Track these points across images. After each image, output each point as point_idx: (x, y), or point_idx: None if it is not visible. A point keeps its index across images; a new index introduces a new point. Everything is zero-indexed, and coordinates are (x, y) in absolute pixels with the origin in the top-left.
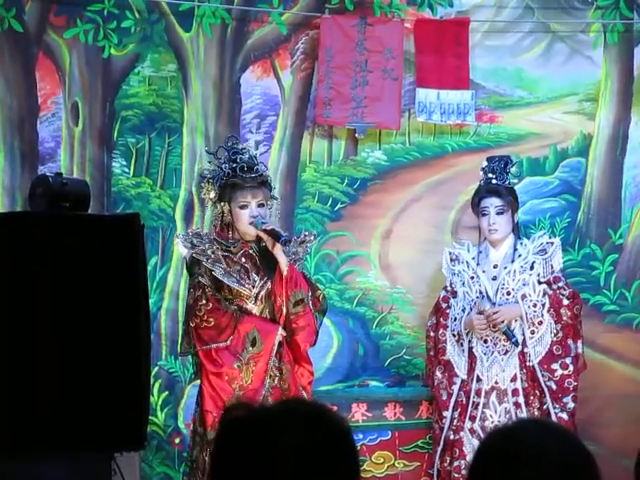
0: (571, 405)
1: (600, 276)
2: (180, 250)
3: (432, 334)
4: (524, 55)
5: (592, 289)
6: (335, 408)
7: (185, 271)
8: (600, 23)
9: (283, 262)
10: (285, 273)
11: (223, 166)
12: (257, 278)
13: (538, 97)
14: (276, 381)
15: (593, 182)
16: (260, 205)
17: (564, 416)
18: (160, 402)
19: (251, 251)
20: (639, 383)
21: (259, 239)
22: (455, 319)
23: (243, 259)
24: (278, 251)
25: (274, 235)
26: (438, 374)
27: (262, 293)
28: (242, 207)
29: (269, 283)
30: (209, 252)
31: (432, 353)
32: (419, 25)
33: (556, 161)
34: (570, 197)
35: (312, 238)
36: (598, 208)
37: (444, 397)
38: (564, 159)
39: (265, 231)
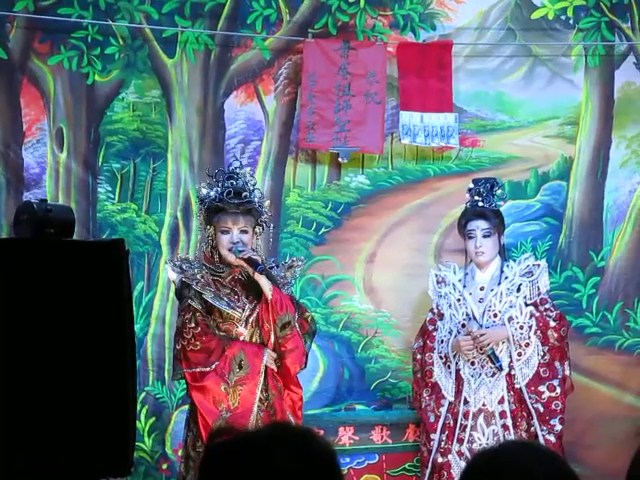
0: (558, 427)
1: (582, 299)
2: (169, 275)
3: (419, 356)
4: (505, 79)
5: (574, 311)
6: (322, 432)
7: (172, 296)
8: (581, 46)
9: (266, 287)
10: (270, 297)
11: (214, 189)
12: (247, 302)
13: (519, 121)
14: (265, 405)
15: (574, 205)
16: (242, 232)
17: (551, 438)
18: (147, 428)
19: (239, 276)
20: (622, 404)
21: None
22: (442, 341)
23: (232, 283)
24: (259, 277)
25: (251, 263)
26: (425, 396)
27: (252, 317)
28: (223, 232)
29: (259, 307)
30: (198, 276)
31: (419, 375)
32: (402, 49)
33: (537, 184)
34: (552, 220)
35: (300, 263)
36: (580, 231)
37: (431, 419)
38: (545, 182)
39: (242, 259)
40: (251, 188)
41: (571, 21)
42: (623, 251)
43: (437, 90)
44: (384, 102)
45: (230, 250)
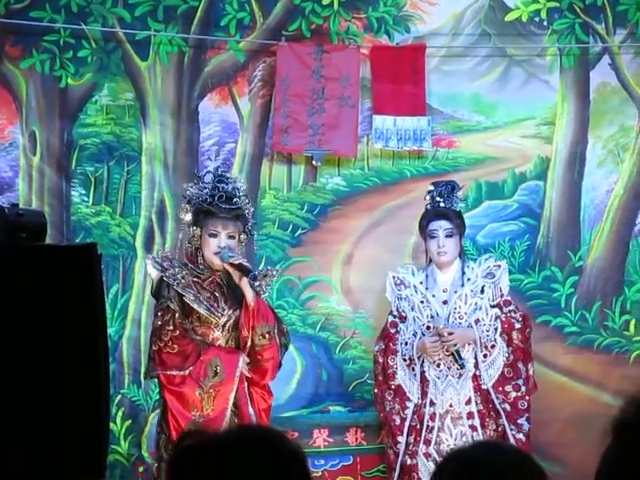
0: (526, 426)
1: (561, 298)
2: (149, 270)
3: (380, 359)
4: (481, 80)
5: (553, 311)
6: (296, 434)
7: (148, 299)
8: (556, 47)
9: (250, 295)
10: (252, 306)
11: (205, 191)
12: (226, 307)
13: (495, 121)
14: (237, 410)
15: (552, 205)
16: (230, 237)
17: (521, 437)
18: (123, 431)
19: (219, 280)
20: (601, 404)
21: (227, 270)
22: (406, 343)
23: (212, 286)
24: (245, 284)
25: (242, 270)
26: (389, 399)
27: (230, 322)
28: (211, 235)
29: (237, 312)
30: (179, 276)
31: (381, 378)
32: (375, 52)
33: (514, 185)
34: (529, 220)
35: (274, 273)
36: (557, 231)
37: (397, 422)
38: (522, 182)
39: (232, 265)
40: (241, 194)
41: (545, 23)
42: (601, 251)
43: (410, 94)
44: (358, 106)
45: (217, 254)
